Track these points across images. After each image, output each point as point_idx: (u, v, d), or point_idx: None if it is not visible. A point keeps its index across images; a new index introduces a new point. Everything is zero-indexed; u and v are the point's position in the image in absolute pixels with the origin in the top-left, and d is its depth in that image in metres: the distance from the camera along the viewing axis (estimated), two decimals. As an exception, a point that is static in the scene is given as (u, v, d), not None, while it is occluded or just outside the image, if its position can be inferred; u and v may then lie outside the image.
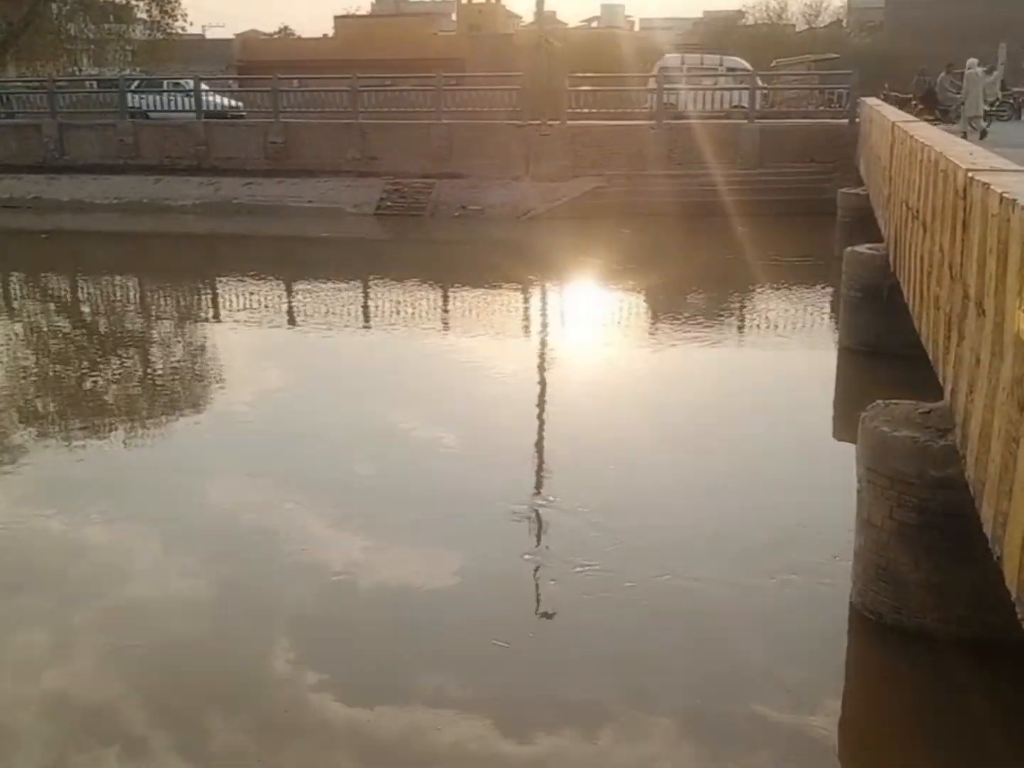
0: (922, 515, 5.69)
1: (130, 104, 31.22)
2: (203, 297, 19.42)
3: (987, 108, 28.40)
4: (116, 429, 10.89)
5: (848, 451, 7.16)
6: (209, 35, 62.55)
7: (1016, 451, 3.76)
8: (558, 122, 27.24)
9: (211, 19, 65.43)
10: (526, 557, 7.45)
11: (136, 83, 32.71)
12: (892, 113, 14.18)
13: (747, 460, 9.37)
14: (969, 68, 22.80)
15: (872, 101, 21.12)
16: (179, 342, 15.58)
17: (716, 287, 17.93)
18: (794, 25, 58.38)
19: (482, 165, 27.12)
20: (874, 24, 53.11)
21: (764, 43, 46.26)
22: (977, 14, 43.25)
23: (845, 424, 8.89)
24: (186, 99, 30.97)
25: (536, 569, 7.33)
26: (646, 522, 7.96)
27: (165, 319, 17.37)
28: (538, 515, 8.18)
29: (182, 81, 32.31)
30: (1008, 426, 3.92)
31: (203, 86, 31.32)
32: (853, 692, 5.84)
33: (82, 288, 20.80)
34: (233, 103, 31.70)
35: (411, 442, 10.08)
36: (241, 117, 30.93)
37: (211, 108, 31.05)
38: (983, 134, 19.78)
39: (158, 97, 31.55)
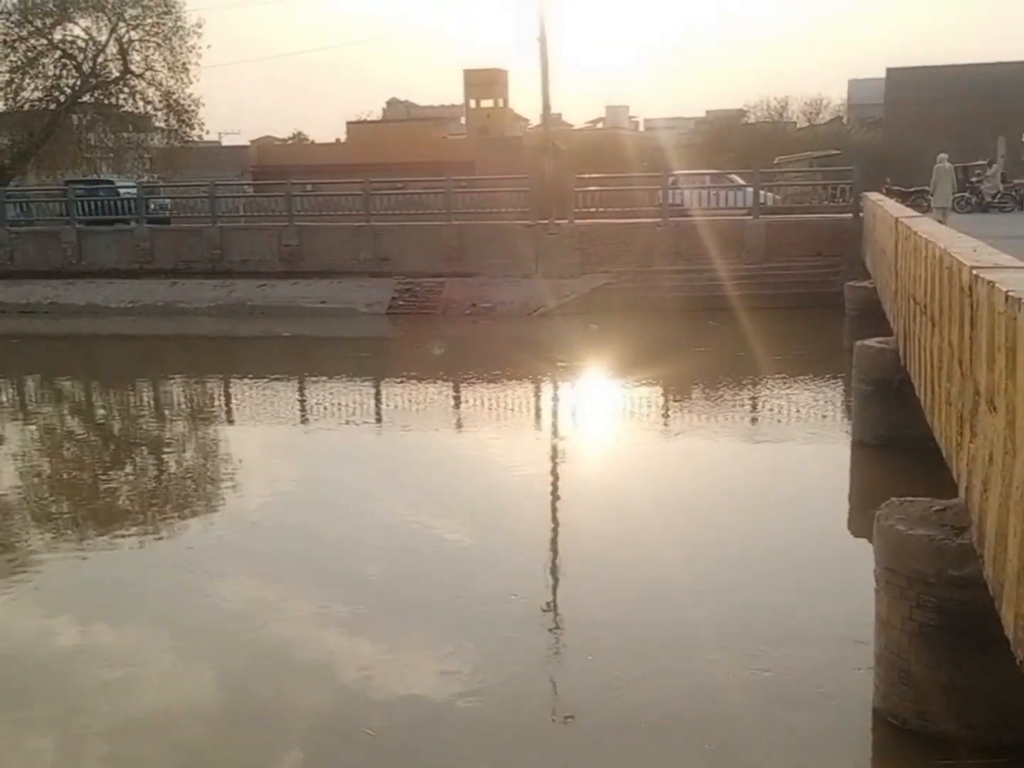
0: (942, 616, 5.58)
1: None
2: (215, 397, 19.54)
3: (990, 200, 28.92)
4: (128, 531, 10.86)
5: (864, 547, 7.09)
6: (225, 142, 64.16)
7: (1034, 552, 3.69)
8: (566, 221, 27.70)
9: (227, 126, 67.53)
10: (538, 659, 7.33)
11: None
12: (895, 208, 14.36)
13: (762, 558, 9.25)
14: (939, 162, 23.63)
15: (875, 196, 21.42)
16: (191, 443, 15.63)
17: (727, 380, 17.97)
18: (795, 122, 59.56)
19: (492, 264, 27.50)
20: (874, 120, 54.16)
21: (766, 141, 47.12)
22: (973, 110, 44.16)
23: (861, 519, 8.80)
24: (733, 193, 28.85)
25: (548, 672, 7.20)
26: (659, 621, 7.84)
27: (177, 420, 17.45)
28: (551, 615, 8.08)
29: (734, 176, 31.22)
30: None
31: (739, 179, 30.03)
32: (880, 801, 5.66)
33: (95, 390, 20.96)
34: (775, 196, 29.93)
35: (424, 542, 10.01)
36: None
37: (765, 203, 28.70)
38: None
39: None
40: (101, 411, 19.10)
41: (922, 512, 5.92)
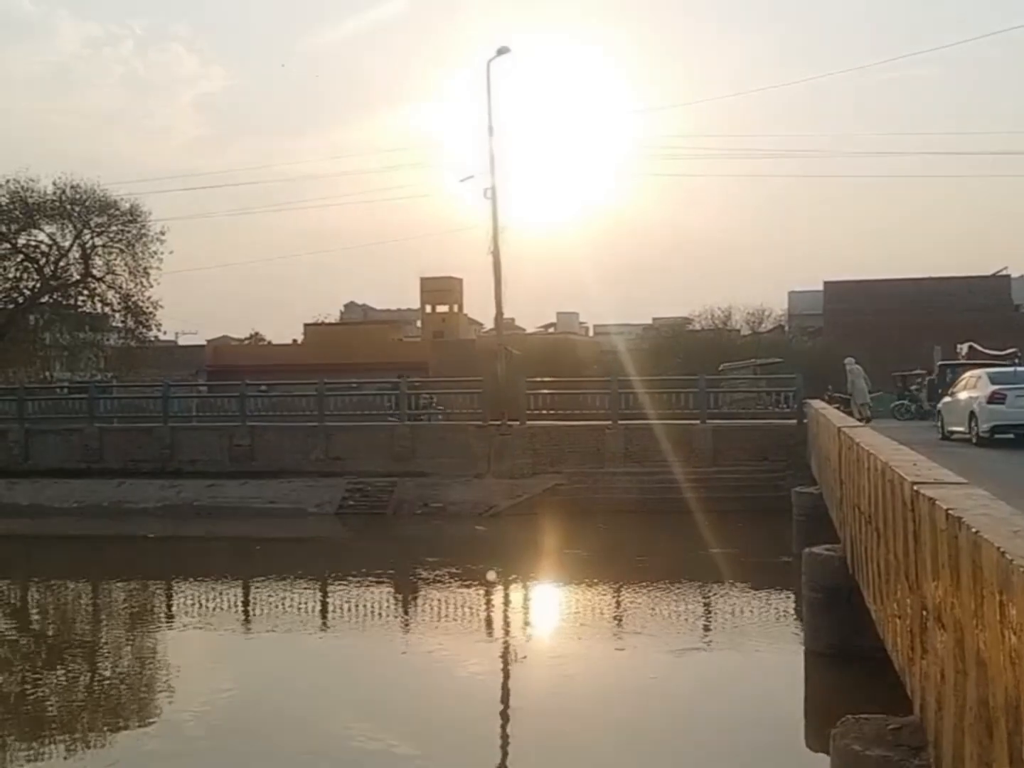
0: (904, 841, 5.41)
1: None
2: (154, 601, 18.98)
3: (929, 407, 29.91)
4: (58, 741, 10.44)
5: (821, 762, 6.92)
6: (182, 341, 64.83)
7: (991, 778, 3.64)
8: (518, 422, 28.10)
9: (184, 326, 67.86)
10: None
11: None
12: (837, 417, 14.78)
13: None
14: (848, 365, 25.35)
15: (817, 404, 22.06)
16: (128, 648, 15.10)
17: (677, 586, 17.86)
18: (739, 330, 61.69)
19: (444, 464, 27.61)
20: (813, 329, 56.29)
21: (710, 348, 48.62)
22: (906, 322, 46.28)
23: (816, 734, 8.62)
24: None
25: None
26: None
27: (114, 624, 16.90)
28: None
29: None
30: (979, 750, 3.82)
31: None
32: None
33: (30, 592, 20.30)
34: None
35: (370, 755, 9.62)
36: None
37: None
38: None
39: None
40: (35, 614, 18.44)
41: (878, 731, 5.82)
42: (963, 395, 19.38)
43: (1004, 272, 53.41)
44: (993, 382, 18.50)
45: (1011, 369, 19.96)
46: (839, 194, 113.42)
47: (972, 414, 18.42)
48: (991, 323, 40.99)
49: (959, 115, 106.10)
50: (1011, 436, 17.74)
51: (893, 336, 44.32)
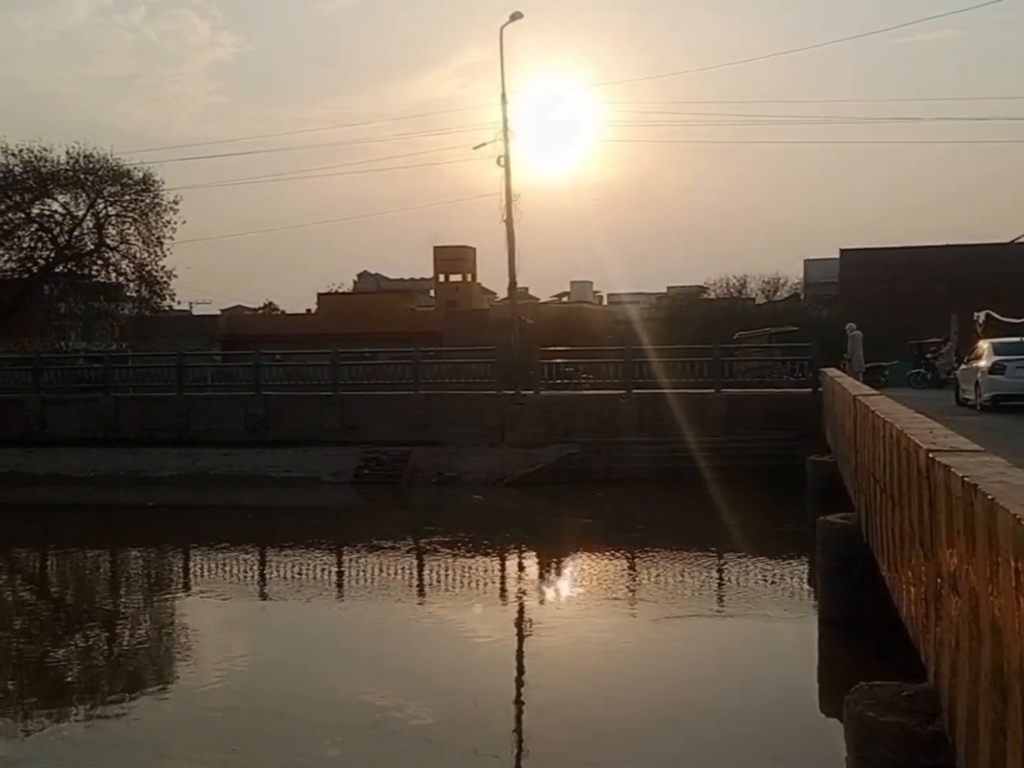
0: (917, 807, 5.43)
1: None
2: (172, 569, 19.11)
3: (945, 376, 29.71)
4: (76, 709, 10.53)
5: (836, 728, 6.94)
6: (196, 311, 64.96)
7: (1004, 744, 3.64)
8: (532, 392, 28.09)
9: (198, 296, 67.87)
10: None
11: None
12: (852, 386, 14.70)
13: (732, 743, 9.01)
14: (850, 332, 25.17)
15: (832, 372, 21.94)
16: (146, 616, 15.22)
17: (692, 555, 17.88)
18: (754, 299, 61.38)
19: (459, 433, 27.67)
20: (829, 298, 55.88)
21: (726, 316, 48.42)
22: (922, 289, 45.86)
23: (830, 701, 8.64)
24: None
25: None
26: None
27: (132, 593, 17.04)
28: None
29: None
30: (994, 716, 3.82)
31: None
32: None
33: (47, 562, 20.47)
34: None
35: (385, 722, 9.67)
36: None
37: None
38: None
39: None
40: (54, 583, 18.60)
41: (892, 697, 5.82)
42: (975, 363, 19.85)
43: (1022, 240, 52.79)
44: (996, 353, 18.92)
45: (1018, 340, 19.98)
46: (856, 161, 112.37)
47: (977, 383, 19.01)
48: (1008, 291, 40.56)
49: (978, 78, 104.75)
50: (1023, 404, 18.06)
51: (909, 304, 43.94)
